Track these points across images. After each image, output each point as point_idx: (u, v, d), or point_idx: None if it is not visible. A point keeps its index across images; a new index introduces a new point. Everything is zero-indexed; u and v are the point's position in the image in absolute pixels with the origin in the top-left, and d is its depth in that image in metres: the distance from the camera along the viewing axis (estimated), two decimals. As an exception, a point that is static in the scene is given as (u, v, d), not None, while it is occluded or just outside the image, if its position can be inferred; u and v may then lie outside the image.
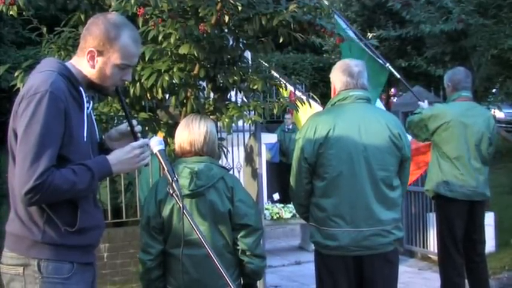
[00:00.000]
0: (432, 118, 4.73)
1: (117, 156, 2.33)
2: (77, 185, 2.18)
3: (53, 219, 2.24)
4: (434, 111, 4.80)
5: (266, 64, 4.57)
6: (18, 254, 2.26)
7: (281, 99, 3.95)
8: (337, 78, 3.48)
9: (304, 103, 4.02)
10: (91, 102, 2.46)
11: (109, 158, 2.32)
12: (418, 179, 6.93)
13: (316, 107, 5.74)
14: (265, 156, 8.54)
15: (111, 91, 2.47)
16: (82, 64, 2.36)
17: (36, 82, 2.20)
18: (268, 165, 8.90)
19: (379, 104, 6.08)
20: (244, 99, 4.20)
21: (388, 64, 5.85)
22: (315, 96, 6.52)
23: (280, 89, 4.38)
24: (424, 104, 5.21)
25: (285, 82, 5.08)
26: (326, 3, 3.67)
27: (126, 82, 2.76)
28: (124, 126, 2.54)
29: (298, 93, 6.06)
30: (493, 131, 4.86)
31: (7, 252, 2.29)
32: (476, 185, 4.70)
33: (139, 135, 2.46)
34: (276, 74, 6.57)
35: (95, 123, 2.50)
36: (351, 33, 5.69)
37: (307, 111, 5.39)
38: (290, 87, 6.11)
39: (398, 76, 5.95)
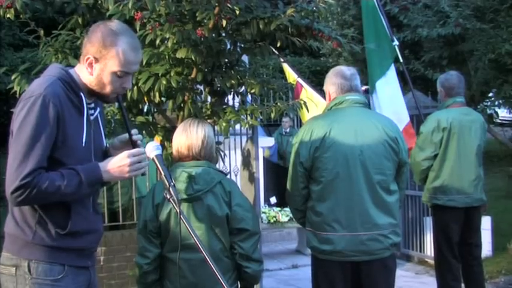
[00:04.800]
0: (435, 131, 4.68)
1: (110, 164, 2.32)
2: (63, 189, 2.18)
3: (45, 220, 2.25)
4: (434, 123, 4.72)
5: (276, 52, 4.52)
6: (12, 254, 2.28)
7: (278, 103, 3.94)
8: (331, 82, 3.50)
9: (302, 108, 4.01)
10: (98, 108, 2.47)
11: (101, 165, 2.31)
12: (415, 184, 6.94)
13: (322, 103, 5.66)
14: (263, 154, 8.54)
15: (112, 98, 2.46)
16: (82, 71, 2.37)
17: (33, 86, 2.25)
18: (266, 167, 8.88)
19: (394, 75, 5.92)
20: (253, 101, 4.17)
21: (396, 42, 5.83)
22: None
23: (287, 73, 4.35)
24: None
25: (295, 73, 5.02)
26: (323, 6, 3.66)
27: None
28: (126, 135, 2.53)
29: (304, 85, 6.07)
30: (485, 135, 4.90)
31: (4, 252, 2.31)
32: (474, 192, 4.71)
33: (139, 143, 2.44)
34: (286, 65, 6.58)
35: (102, 130, 2.50)
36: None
37: (314, 109, 5.36)
38: (299, 80, 6.12)
39: (401, 60, 5.97)
